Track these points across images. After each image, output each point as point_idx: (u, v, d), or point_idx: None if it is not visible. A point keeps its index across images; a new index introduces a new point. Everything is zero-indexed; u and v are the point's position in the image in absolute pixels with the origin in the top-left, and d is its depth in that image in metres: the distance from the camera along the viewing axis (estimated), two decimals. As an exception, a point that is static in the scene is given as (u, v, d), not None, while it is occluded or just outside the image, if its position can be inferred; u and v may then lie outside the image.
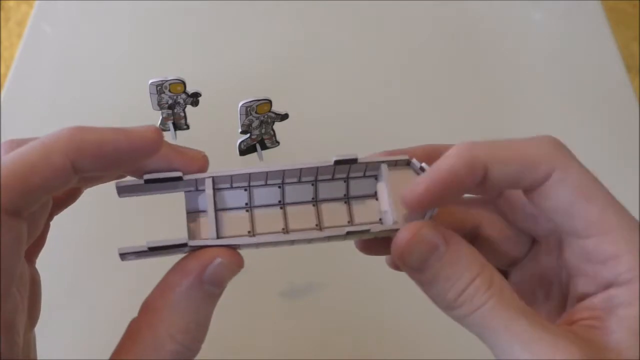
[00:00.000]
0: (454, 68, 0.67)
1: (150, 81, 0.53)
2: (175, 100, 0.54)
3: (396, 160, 0.29)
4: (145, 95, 0.53)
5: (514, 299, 0.25)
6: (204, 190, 0.28)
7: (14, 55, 0.66)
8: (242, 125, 0.54)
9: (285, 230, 0.29)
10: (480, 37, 0.69)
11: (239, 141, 0.55)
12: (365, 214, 0.29)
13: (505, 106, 0.64)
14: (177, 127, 0.57)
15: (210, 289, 0.26)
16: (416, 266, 0.26)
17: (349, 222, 0.29)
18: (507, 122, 0.63)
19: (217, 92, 0.57)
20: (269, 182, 0.29)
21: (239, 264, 0.27)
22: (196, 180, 0.28)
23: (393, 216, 0.28)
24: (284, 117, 0.54)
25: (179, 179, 0.28)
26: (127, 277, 0.53)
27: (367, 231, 0.27)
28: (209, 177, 0.28)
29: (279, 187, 0.29)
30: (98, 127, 0.26)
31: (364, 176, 0.29)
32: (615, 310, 0.24)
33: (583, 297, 0.26)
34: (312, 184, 0.29)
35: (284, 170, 0.28)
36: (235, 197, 0.28)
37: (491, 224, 0.30)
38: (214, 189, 0.28)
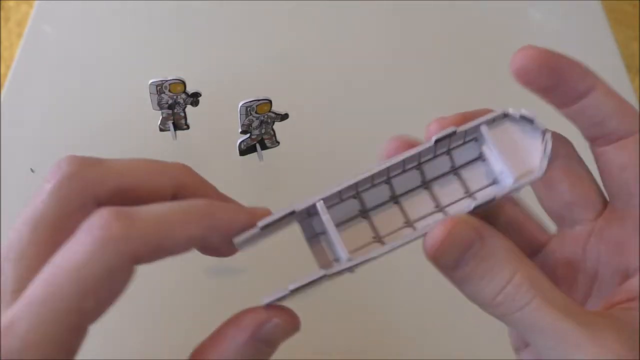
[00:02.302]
0: (453, 67, 0.67)
1: (151, 81, 0.53)
2: (175, 100, 0.54)
3: (494, 118, 0.28)
4: (145, 95, 0.53)
5: (555, 294, 0.24)
6: (316, 213, 0.27)
7: (14, 55, 0.66)
8: (242, 125, 0.54)
9: (409, 224, 0.27)
10: (480, 37, 0.69)
11: (239, 141, 0.55)
12: (477, 180, 0.28)
13: (504, 106, 0.64)
14: (177, 127, 0.57)
15: (262, 348, 0.26)
16: (450, 265, 0.25)
17: (465, 193, 0.27)
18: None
19: (217, 92, 0.57)
20: (375, 182, 0.28)
21: (294, 327, 0.27)
22: (307, 207, 0.27)
23: (512, 173, 0.26)
24: (284, 117, 0.54)
25: (292, 213, 0.27)
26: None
27: (494, 199, 0.26)
28: (319, 200, 0.27)
29: (386, 182, 0.28)
30: (226, 205, 0.28)
31: (464, 142, 0.28)
32: None
33: (617, 282, 0.26)
34: (417, 169, 0.28)
35: (388, 167, 0.27)
36: (347, 208, 0.28)
37: (512, 211, 0.30)
38: (327, 208, 0.27)
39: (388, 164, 0.27)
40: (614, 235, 0.27)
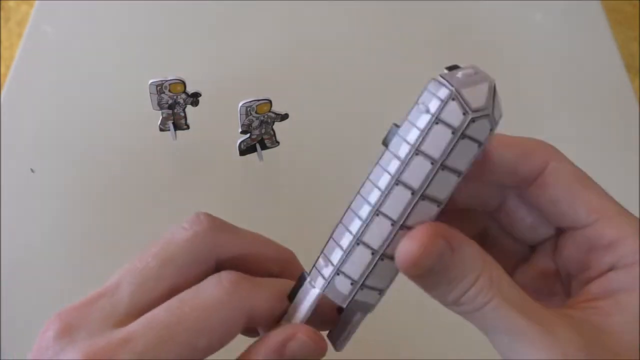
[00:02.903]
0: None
1: (151, 81, 0.53)
2: (175, 100, 0.54)
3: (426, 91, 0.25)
4: (145, 95, 0.54)
5: (515, 295, 0.25)
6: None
7: (14, 55, 0.66)
8: (242, 125, 0.54)
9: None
10: (480, 37, 0.70)
11: (239, 141, 0.55)
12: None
13: (504, 106, 0.64)
14: (177, 127, 0.57)
15: None
16: (419, 276, 0.25)
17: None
18: (507, 122, 0.62)
19: (217, 92, 0.57)
20: (368, 221, 0.25)
21: (318, 347, 0.27)
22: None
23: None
24: (284, 117, 0.54)
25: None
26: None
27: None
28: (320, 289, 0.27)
29: (377, 214, 0.25)
30: (264, 289, 0.28)
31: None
32: (615, 294, 0.25)
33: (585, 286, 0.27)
34: (398, 184, 0.25)
35: (367, 200, 0.25)
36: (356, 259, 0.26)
37: (499, 227, 0.30)
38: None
39: (361, 190, 0.26)
40: (573, 248, 0.27)
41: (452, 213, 0.26)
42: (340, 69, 0.66)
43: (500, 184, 0.28)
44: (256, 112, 0.52)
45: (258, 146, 0.55)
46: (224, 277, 0.26)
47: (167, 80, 0.52)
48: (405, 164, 0.24)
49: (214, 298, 0.25)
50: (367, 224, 0.25)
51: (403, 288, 0.53)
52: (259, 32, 0.68)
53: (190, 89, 0.53)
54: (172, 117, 0.55)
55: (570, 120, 0.63)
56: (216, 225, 0.29)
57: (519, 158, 0.27)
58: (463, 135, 0.23)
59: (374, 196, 0.25)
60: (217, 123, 0.57)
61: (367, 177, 0.26)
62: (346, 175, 0.58)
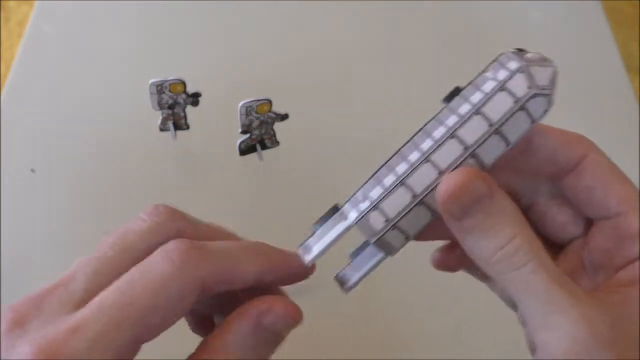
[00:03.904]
0: (453, 67, 0.67)
1: (151, 81, 0.53)
2: (175, 100, 0.54)
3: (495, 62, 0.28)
4: (145, 95, 0.54)
5: (550, 263, 0.25)
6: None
7: (14, 55, 0.66)
8: (242, 125, 0.54)
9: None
10: (480, 37, 0.69)
11: (239, 141, 0.55)
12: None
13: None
14: (177, 127, 0.57)
15: (268, 337, 0.27)
16: (458, 215, 0.25)
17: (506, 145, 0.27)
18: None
19: (217, 92, 0.57)
20: (415, 166, 0.26)
21: (295, 318, 0.27)
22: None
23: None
24: (284, 117, 0.54)
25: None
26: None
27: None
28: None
29: (426, 161, 0.26)
30: (216, 255, 0.27)
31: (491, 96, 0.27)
32: None
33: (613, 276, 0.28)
34: (452, 137, 0.26)
35: (419, 146, 0.27)
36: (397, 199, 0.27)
37: (549, 200, 0.31)
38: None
39: (414, 137, 0.27)
40: (602, 238, 0.28)
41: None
42: (340, 69, 0.66)
43: (539, 173, 0.29)
44: (256, 112, 0.52)
45: (258, 146, 0.55)
46: (171, 250, 0.25)
47: (167, 80, 0.52)
48: (464, 120, 0.26)
49: (163, 274, 0.25)
50: (414, 168, 0.26)
51: (404, 288, 0.53)
52: (259, 32, 0.68)
53: (190, 89, 0.53)
54: (172, 117, 0.55)
55: (570, 120, 0.63)
56: (175, 216, 0.29)
57: (561, 146, 0.28)
58: (522, 107, 0.26)
59: (427, 144, 0.26)
60: (217, 123, 0.57)
61: (421, 128, 0.27)
62: (346, 175, 0.58)
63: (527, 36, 0.70)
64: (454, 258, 0.31)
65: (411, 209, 0.26)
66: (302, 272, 0.29)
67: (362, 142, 0.59)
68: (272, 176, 0.58)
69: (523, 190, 0.30)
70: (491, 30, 0.70)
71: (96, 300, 0.24)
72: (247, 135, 0.54)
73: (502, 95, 0.26)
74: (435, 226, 0.28)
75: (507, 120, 0.26)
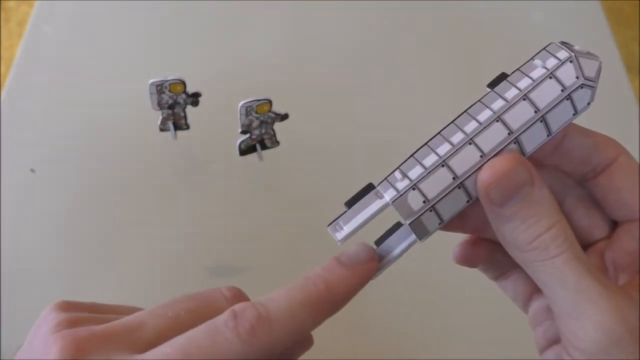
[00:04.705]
0: (454, 67, 0.67)
1: (151, 81, 0.53)
2: (175, 100, 0.54)
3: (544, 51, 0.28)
4: (145, 95, 0.53)
5: (585, 257, 0.25)
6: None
7: (14, 55, 0.66)
8: (242, 125, 0.54)
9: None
10: (480, 37, 0.69)
11: (239, 141, 0.55)
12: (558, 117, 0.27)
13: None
14: (177, 127, 0.57)
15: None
16: (499, 201, 0.25)
17: (547, 135, 0.27)
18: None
19: (217, 92, 0.57)
20: (459, 147, 0.26)
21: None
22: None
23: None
24: (284, 117, 0.54)
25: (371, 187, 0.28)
26: (126, 277, 0.53)
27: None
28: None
29: (470, 143, 0.26)
30: (282, 326, 0.27)
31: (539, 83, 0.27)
32: None
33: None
34: (498, 121, 0.26)
35: (462, 129, 0.26)
36: (438, 179, 0.26)
37: (576, 202, 0.31)
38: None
39: (457, 120, 0.27)
40: (627, 240, 0.29)
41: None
42: (340, 69, 0.66)
43: (570, 174, 0.29)
44: (256, 112, 0.52)
45: (258, 146, 0.55)
46: (241, 323, 0.25)
47: (167, 80, 0.52)
48: (510, 105, 0.26)
49: (230, 350, 0.25)
50: (457, 149, 0.26)
51: (404, 289, 0.53)
52: (259, 33, 0.68)
53: (190, 89, 0.53)
54: (172, 117, 0.55)
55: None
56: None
57: (593, 147, 0.28)
58: (568, 97, 0.26)
59: (471, 127, 0.26)
60: (217, 123, 0.57)
61: (465, 111, 0.27)
62: (346, 175, 0.58)
63: (527, 36, 0.70)
64: (476, 253, 0.31)
65: (451, 191, 0.26)
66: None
67: (362, 142, 0.59)
68: (272, 176, 0.58)
69: (552, 190, 0.30)
70: (491, 31, 0.70)
71: (159, 349, 0.25)
72: (247, 135, 0.54)
73: (550, 83, 0.26)
74: (465, 217, 0.28)
75: (552, 108, 0.26)
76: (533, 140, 0.26)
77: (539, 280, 0.26)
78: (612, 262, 0.29)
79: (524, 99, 0.26)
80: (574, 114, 0.27)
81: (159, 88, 0.52)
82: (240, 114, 0.51)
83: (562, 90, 0.26)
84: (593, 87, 0.27)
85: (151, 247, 0.54)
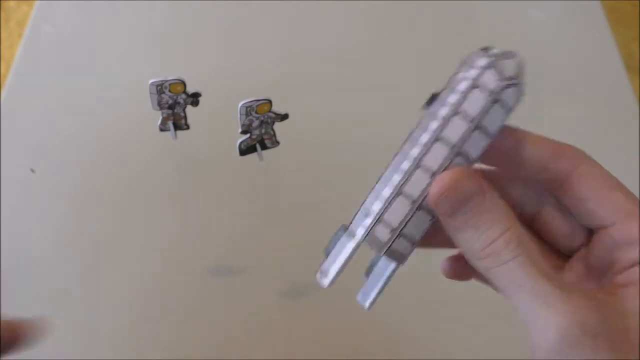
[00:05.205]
0: (453, 67, 0.67)
1: (151, 81, 0.53)
2: (175, 100, 0.54)
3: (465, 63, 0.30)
4: (145, 95, 0.53)
5: (539, 258, 0.26)
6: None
7: (14, 55, 0.66)
8: (242, 125, 0.54)
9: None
10: (480, 37, 0.69)
11: (239, 141, 0.55)
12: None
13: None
14: (177, 127, 0.57)
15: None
16: (449, 212, 0.26)
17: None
18: (507, 122, 0.63)
19: (217, 92, 0.57)
20: (410, 173, 0.28)
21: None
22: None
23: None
24: (284, 117, 0.54)
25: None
26: (126, 277, 0.53)
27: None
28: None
29: (417, 167, 0.28)
30: None
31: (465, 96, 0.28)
32: (637, 282, 0.26)
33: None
34: (438, 140, 0.27)
35: (408, 153, 0.28)
36: (398, 209, 0.28)
37: (554, 211, 0.31)
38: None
39: (403, 147, 0.28)
40: (602, 247, 0.28)
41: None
42: (340, 69, 0.66)
43: (534, 181, 0.29)
44: (256, 112, 0.52)
45: (258, 146, 0.55)
46: None
47: (167, 81, 0.52)
48: (446, 122, 0.27)
49: None
50: (408, 176, 0.27)
51: (405, 288, 0.53)
52: (259, 33, 0.68)
53: (190, 89, 0.53)
54: (172, 117, 0.55)
55: (569, 120, 0.63)
56: None
57: (551, 157, 0.28)
58: (496, 100, 0.27)
59: (416, 151, 0.27)
60: (217, 123, 0.57)
61: (407, 138, 0.28)
62: (346, 174, 0.58)
63: (527, 36, 0.70)
64: (463, 266, 0.31)
65: (412, 215, 0.27)
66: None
67: (362, 142, 0.59)
68: (272, 176, 0.58)
69: (526, 200, 0.30)
70: (491, 30, 0.70)
71: None
72: (247, 135, 0.54)
73: (476, 92, 0.27)
74: (439, 233, 0.28)
75: (485, 114, 0.27)
76: (476, 147, 0.27)
77: (499, 287, 0.26)
78: (592, 268, 0.29)
79: (457, 114, 0.27)
80: (508, 112, 0.28)
81: (159, 88, 0.52)
82: (240, 114, 0.51)
83: (489, 96, 0.27)
84: (517, 84, 0.28)
85: (151, 247, 0.54)
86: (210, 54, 0.66)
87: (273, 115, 0.53)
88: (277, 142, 0.55)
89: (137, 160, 0.58)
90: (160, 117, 0.55)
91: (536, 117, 0.64)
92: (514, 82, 0.28)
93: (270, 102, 0.51)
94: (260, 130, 0.54)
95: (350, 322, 0.51)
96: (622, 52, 0.68)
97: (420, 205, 0.27)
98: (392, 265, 0.29)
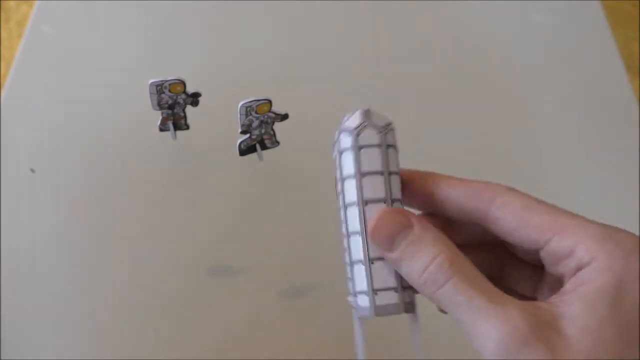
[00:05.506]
0: (453, 67, 0.67)
1: (151, 81, 0.53)
2: (175, 100, 0.54)
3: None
4: (145, 95, 0.53)
5: (475, 276, 0.27)
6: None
7: (14, 55, 0.66)
8: (242, 125, 0.54)
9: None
10: (480, 37, 0.69)
11: (239, 141, 0.55)
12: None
13: (504, 106, 0.64)
14: (177, 127, 0.57)
15: None
16: (385, 245, 0.28)
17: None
18: (507, 122, 0.63)
19: (217, 92, 0.57)
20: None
21: None
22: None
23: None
24: (284, 117, 0.54)
25: None
26: (126, 277, 0.53)
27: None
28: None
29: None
30: None
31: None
32: (577, 287, 0.27)
33: None
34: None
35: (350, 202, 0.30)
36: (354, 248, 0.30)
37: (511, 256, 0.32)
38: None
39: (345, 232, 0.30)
40: (549, 263, 0.29)
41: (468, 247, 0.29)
42: (340, 69, 0.66)
43: (459, 220, 0.31)
44: (256, 112, 0.52)
45: (258, 146, 0.55)
46: None
47: (167, 81, 0.52)
48: (341, 193, 0.30)
49: None
50: (348, 246, 0.30)
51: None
52: (259, 32, 0.68)
53: (190, 89, 0.53)
54: (172, 117, 0.55)
55: (570, 120, 0.63)
56: None
57: (465, 197, 0.30)
58: (360, 147, 0.30)
59: (343, 227, 0.30)
60: (217, 123, 0.57)
61: (341, 218, 0.31)
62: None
63: (527, 36, 0.70)
64: None
65: (370, 270, 0.29)
66: None
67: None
68: (272, 176, 0.58)
69: (494, 264, 0.32)
70: (491, 31, 0.70)
71: None
72: (247, 135, 0.54)
73: (344, 156, 0.31)
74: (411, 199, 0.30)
75: (360, 162, 0.30)
76: (374, 190, 0.29)
77: (445, 309, 0.28)
78: (549, 281, 0.30)
79: (343, 180, 0.30)
80: (378, 147, 0.30)
81: (159, 88, 0.52)
82: (240, 114, 0.51)
83: (352, 150, 0.30)
84: (365, 126, 0.31)
85: (151, 247, 0.54)
86: (210, 54, 0.66)
87: (273, 115, 0.53)
88: (277, 142, 0.55)
89: (136, 160, 0.58)
90: (160, 117, 0.55)
91: (536, 117, 0.64)
92: (361, 127, 0.31)
93: (270, 102, 0.51)
94: (260, 130, 0.54)
95: (351, 322, 0.51)
96: (622, 52, 0.68)
97: (371, 260, 0.29)
98: (410, 316, 0.30)
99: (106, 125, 0.60)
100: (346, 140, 0.31)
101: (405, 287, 0.29)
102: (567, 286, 0.27)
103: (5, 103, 0.61)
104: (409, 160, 0.32)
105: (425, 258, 0.27)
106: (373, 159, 0.30)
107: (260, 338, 0.50)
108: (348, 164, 0.30)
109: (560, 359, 0.25)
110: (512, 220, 0.28)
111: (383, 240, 0.28)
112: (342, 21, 0.70)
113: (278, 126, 0.54)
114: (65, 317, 0.50)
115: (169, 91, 0.53)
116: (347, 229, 0.30)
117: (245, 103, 0.51)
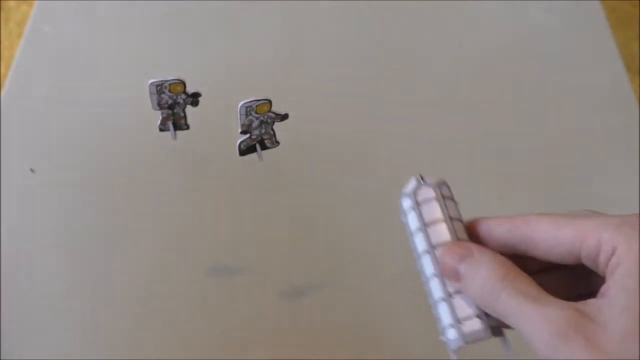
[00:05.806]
0: (453, 67, 0.67)
1: (151, 81, 0.53)
2: (175, 100, 0.54)
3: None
4: (145, 95, 0.53)
5: (527, 287, 0.30)
6: None
7: (14, 55, 0.66)
8: (242, 125, 0.54)
9: None
10: (480, 37, 0.70)
11: (239, 141, 0.55)
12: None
13: (504, 106, 0.64)
14: (177, 127, 0.57)
15: None
16: (453, 276, 0.32)
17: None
18: (506, 122, 0.63)
19: (217, 92, 0.57)
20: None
21: None
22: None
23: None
24: (284, 117, 0.54)
25: None
26: (126, 277, 0.53)
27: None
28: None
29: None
30: None
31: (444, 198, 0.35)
32: (611, 277, 0.28)
33: None
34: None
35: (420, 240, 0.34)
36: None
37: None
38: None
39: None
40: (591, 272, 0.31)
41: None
42: (340, 69, 0.66)
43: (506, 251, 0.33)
44: (256, 112, 0.52)
45: (258, 146, 0.55)
46: None
47: (167, 81, 0.52)
48: (414, 249, 0.34)
49: None
50: (430, 289, 0.33)
51: (406, 292, 0.53)
52: (259, 33, 0.68)
53: (190, 89, 0.53)
54: (172, 117, 0.55)
55: (570, 120, 0.63)
56: None
57: (508, 230, 0.33)
58: (418, 203, 0.34)
59: (422, 277, 0.34)
60: (217, 123, 0.57)
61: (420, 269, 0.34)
62: (346, 175, 0.58)
63: (527, 36, 0.70)
64: None
65: (451, 304, 0.32)
66: None
67: (362, 142, 0.59)
68: (272, 176, 0.58)
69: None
70: (491, 30, 0.70)
71: None
72: (247, 135, 0.54)
73: (409, 217, 0.34)
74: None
75: (420, 218, 0.34)
76: (438, 235, 0.33)
77: (507, 323, 0.30)
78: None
79: (412, 238, 0.34)
80: (435, 199, 0.34)
81: (159, 88, 0.52)
82: (240, 114, 0.51)
83: (413, 209, 0.34)
84: (420, 184, 0.34)
85: (151, 247, 0.54)
86: (210, 54, 0.66)
87: (273, 115, 0.53)
88: (277, 142, 0.55)
89: (136, 160, 0.58)
90: (160, 117, 0.55)
91: (536, 117, 0.64)
92: (415, 189, 0.34)
93: (270, 102, 0.51)
94: (260, 130, 0.54)
95: (350, 322, 0.51)
96: (622, 52, 0.68)
97: (449, 295, 0.32)
98: (502, 340, 0.32)
99: (106, 125, 0.60)
100: (407, 202, 0.34)
101: (462, 320, 0.32)
102: (603, 289, 0.29)
103: (5, 103, 0.61)
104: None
105: (481, 276, 0.31)
106: (433, 210, 0.34)
107: (260, 338, 0.50)
108: (413, 221, 0.34)
109: (597, 348, 0.27)
110: (546, 238, 0.31)
111: (450, 271, 0.32)
112: (342, 21, 0.70)
113: (278, 126, 0.54)
114: (65, 317, 0.50)
115: (169, 91, 0.53)
116: (425, 275, 0.33)
117: (245, 103, 0.51)
